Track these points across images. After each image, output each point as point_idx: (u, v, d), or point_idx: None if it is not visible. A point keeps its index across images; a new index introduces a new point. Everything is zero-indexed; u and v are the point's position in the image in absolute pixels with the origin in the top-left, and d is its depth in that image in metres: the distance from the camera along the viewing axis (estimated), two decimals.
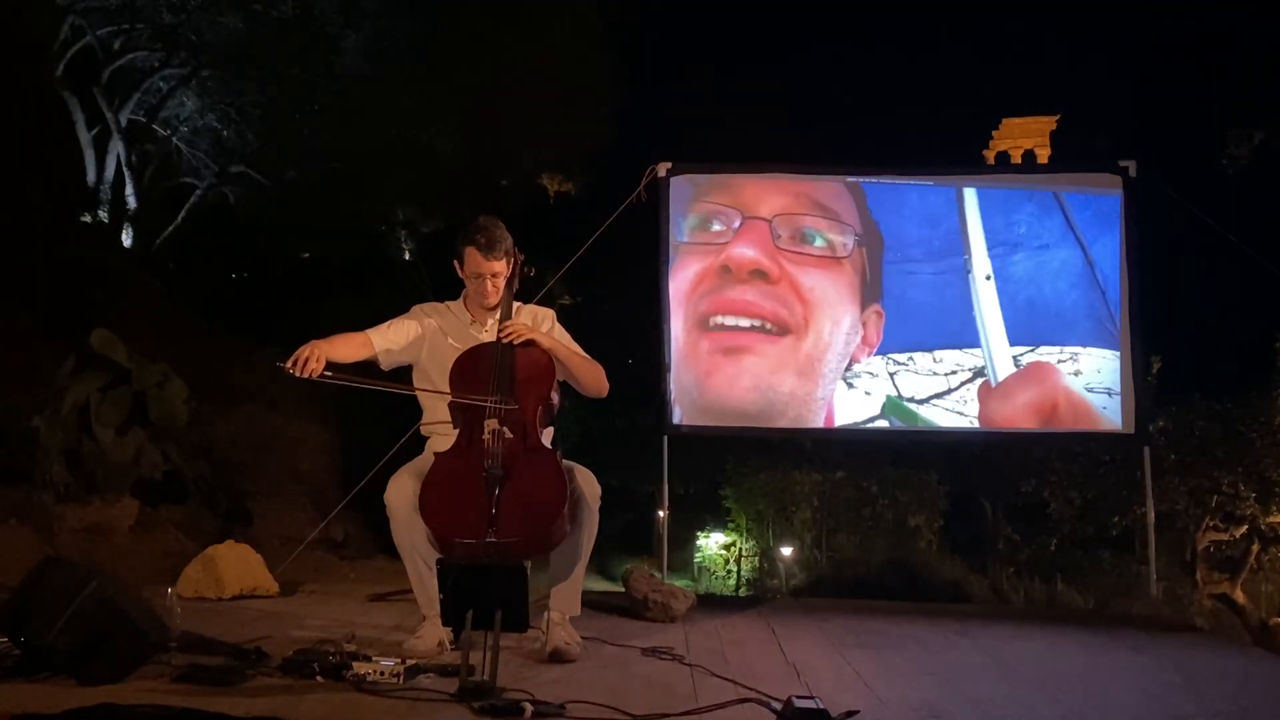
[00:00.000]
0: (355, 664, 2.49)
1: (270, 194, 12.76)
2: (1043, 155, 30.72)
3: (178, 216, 12.66)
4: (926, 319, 4.97)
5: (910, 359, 4.92)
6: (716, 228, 5.03)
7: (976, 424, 4.93)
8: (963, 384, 4.91)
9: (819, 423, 4.97)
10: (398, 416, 3.88)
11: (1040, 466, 11.18)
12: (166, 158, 12.69)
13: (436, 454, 2.94)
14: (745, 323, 4.89)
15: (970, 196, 5.05)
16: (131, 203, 12.00)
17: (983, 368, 4.92)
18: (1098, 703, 2.72)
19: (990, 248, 4.99)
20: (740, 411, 4.91)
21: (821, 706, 2.24)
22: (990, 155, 30.65)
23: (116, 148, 11.77)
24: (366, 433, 6.18)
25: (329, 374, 2.80)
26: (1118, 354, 4.89)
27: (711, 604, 4.41)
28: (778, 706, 2.36)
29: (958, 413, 4.92)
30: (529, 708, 2.23)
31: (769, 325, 4.88)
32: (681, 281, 4.98)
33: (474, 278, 3.10)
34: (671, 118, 21.47)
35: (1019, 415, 4.96)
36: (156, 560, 5.14)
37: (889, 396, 4.91)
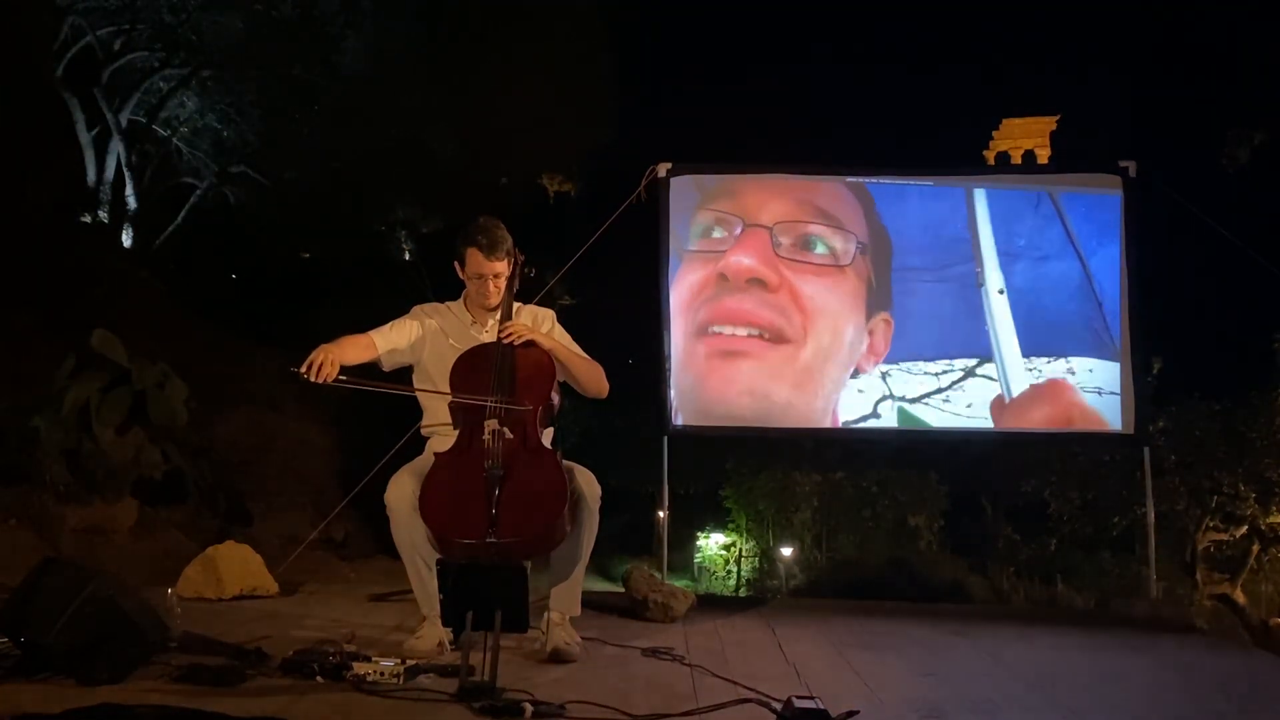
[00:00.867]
0: (355, 664, 2.49)
1: (270, 194, 12.76)
2: (1043, 155, 30.74)
3: (178, 216, 12.68)
4: (935, 327, 4.88)
5: (919, 368, 4.85)
6: (718, 235, 4.98)
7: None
8: (960, 381, 4.86)
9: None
10: (398, 417, 3.87)
11: (1040, 466, 11.20)
12: (166, 158, 12.71)
13: (437, 454, 2.93)
14: (742, 331, 4.85)
15: (980, 205, 4.98)
16: (131, 203, 12.01)
17: (994, 380, 4.84)
18: (1098, 703, 2.72)
19: (997, 258, 4.95)
20: (735, 415, 4.88)
21: (821, 707, 2.24)
22: (990, 155, 30.67)
23: (116, 148, 11.78)
24: (366, 433, 6.18)
25: (343, 378, 2.79)
26: (1117, 364, 4.86)
27: (711, 604, 4.40)
28: (778, 707, 2.36)
29: (964, 417, 4.87)
30: (529, 708, 2.22)
31: (766, 334, 4.84)
32: (682, 288, 4.93)
33: (475, 278, 3.10)
34: (672, 118, 21.50)
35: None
36: (156, 560, 5.14)
37: (891, 399, 4.88)
